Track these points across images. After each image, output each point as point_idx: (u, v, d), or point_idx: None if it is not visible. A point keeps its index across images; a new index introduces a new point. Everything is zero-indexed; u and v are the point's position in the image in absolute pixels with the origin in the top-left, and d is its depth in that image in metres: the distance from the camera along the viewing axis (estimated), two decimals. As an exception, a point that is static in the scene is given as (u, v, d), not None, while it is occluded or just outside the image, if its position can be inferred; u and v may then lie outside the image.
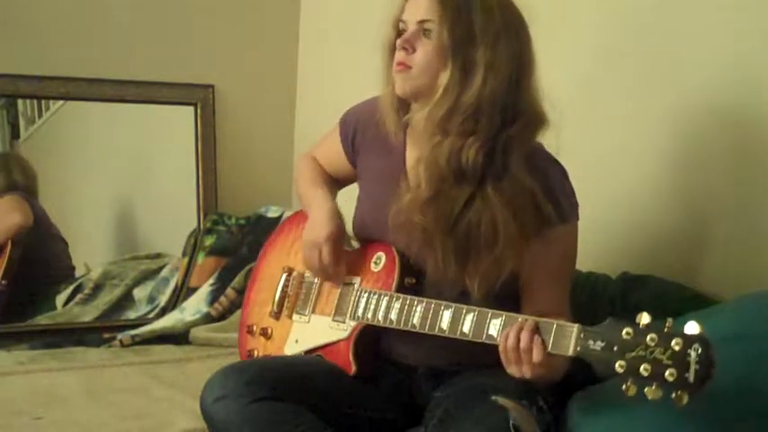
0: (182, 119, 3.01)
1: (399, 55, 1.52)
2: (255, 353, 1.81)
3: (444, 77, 1.49)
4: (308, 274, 1.76)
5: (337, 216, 1.70)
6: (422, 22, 1.51)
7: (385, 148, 1.67)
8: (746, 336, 1.39)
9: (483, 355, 1.42)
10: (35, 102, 2.95)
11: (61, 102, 2.91)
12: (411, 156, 1.63)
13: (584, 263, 1.87)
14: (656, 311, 1.68)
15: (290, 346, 1.74)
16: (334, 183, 1.85)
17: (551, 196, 1.51)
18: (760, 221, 1.69)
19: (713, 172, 1.79)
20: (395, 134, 1.64)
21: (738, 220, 1.74)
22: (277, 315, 1.79)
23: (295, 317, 1.76)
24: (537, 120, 1.53)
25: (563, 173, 1.57)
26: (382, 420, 1.63)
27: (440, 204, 1.49)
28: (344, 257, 1.68)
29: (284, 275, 1.79)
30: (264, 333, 1.79)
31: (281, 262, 1.83)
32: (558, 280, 1.56)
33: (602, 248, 1.97)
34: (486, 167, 1.48)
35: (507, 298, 1.52)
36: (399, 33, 1.55)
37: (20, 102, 2.94)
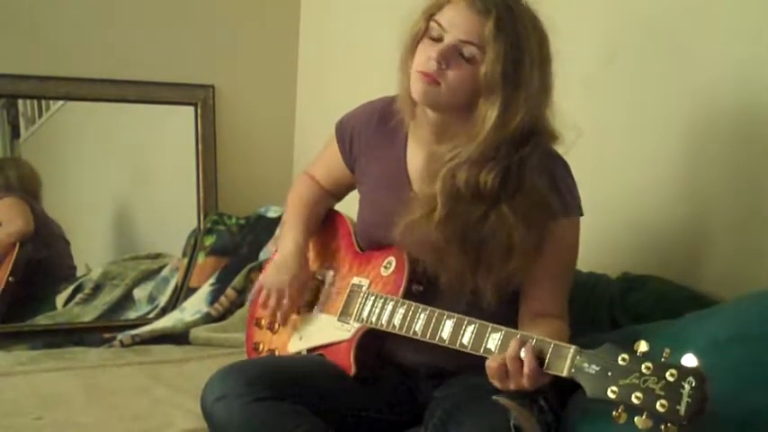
0: (182, 119, 3.01)
1: (429, 65, 1.46)
2: (261, 346, 1.82)
3: (482, 116, 1.46)
4: (319, 271, 1.78)
5: (300, 257, 1.74)
6: (465, 42, 1.46)
7: (383, 151, 1.68)
8: (746, 336, 1.39)
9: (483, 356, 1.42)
10: (35, 102, 2.95)
11: (61, 102, 2.92)
12: (413, 158, 1.63)
13: (584, 263, 1.87)
14: (656, 311, 1.70)
15: (294, 343, 1.74)
16: (330, 199, 1.86)
17: (556, 191, 1.52)
18: (760, 222, 1.69)
19: (713, 173, 1.79)
20: (397, 134, 1.64)
21: (738, 221, 1.74)
22: None
23: (302, 313, 1.76)
24: (550, 138, 1.53)
25: (566, 168, 1.57)
26: (382, 421, 1.63)
27: (454, 222, 1.49)
28: (311, 285, 1.74)
29: None
30: (271, 327, 1.80)
31: None
32: (557, 277, 1.55)
33: (602, 248, 1.97)
34: (501, 187, 1.48)
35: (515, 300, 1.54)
36: (426, 28, 1.49)
37: (20, 102, 2.94)
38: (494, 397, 1.42)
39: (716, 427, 1.29)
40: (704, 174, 1.81)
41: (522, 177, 1.48)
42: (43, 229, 2.80)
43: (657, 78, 1.90)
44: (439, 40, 1.48)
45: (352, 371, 1.59)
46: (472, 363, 1.38)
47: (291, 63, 3.19)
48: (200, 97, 3.02)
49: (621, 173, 1.98)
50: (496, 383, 1.35)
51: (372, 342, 1.62)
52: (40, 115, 2.96)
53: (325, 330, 1.68)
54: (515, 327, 1.47)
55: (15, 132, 2.93)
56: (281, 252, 1.77)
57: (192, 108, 3.02)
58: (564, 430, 1.48)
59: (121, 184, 3.03)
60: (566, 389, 1.50)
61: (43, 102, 2.94)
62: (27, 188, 2.83)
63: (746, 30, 1.71)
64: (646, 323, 1.63)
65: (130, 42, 2.89)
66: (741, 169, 1.74)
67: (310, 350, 1.70)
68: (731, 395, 1.30)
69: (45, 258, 2.82)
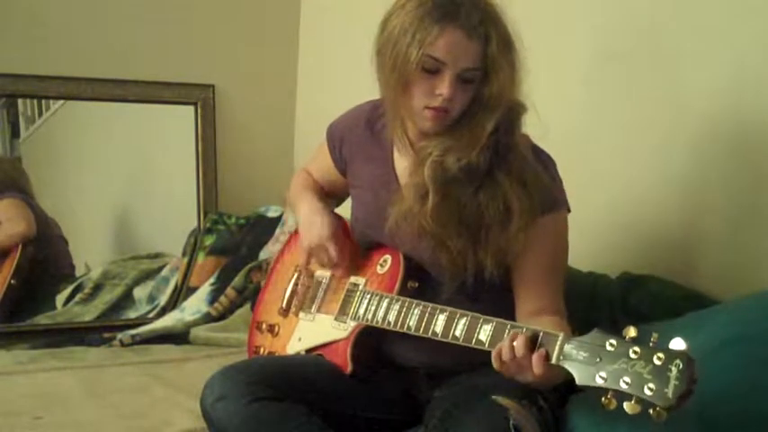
0: (182, 119, 3.01)
1: (437, 100, 1.47)
2: (261, 350, 1.83)
3: (481, 125, 1.48)
4: (318, 273, 1.78)
5: (329, 212, 1.74)
6: (468, 69, 1.46)
7: (372, 152, 1.69)
8: (747, 337, 1.39)
9: (483, 355, 1.42)
10: (35, 101, 2.95)
11: (61, 101, 2.92)
12: (400, 158, 1.64)
13: (584, 263, 1.87)
14: (656, 311, 1.70)
15: (293, 344, 1.75)
16: (329, 195, 1.86)
17: (545, 183, 1.52)
18: (760, 222, 1.69)
19: (713, 172, 1.79)
20: (384, 136, 1.65)
21: (738, 221, 1.74)
22: (285, 312, 1.80)
23: (301, 315, 1.77)
24: (520, 108, 1.53)
25: (554, 163, 1.59)
26: (382, 420, 1.63)
27: (449, 206, 1.50)
28: (347, 248, 1.71)
29: (296, 274, 1.82)
30: (271, 330, 1.81)
31: (295, 261, 1.84)
32: (549, 273, 1.55)
33: (602, 248, 1.98)
34: (492, 159, 1.49)
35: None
36: (420, 63, 1.46)
37: (20, 101, 2.94)
38: (493, 397, 1.42)
39: (719, 429, 1.29)
40: (704, 174, 1.81)
41: (510, 141, 1.50)
42: (43, 229, 2.79)
43: (656, 78, 1.90)
44: (435, 71, 1.47)
45: (349, 369, 1.60)
46: (471, 362, 1.38)
47: (291, 63, 3.19)
48: (201, 97, 3.02)
49: (621, 173, 1.98)
50: (517, 378, 1.34)
51: (369, 340, 1.62)
52: (40, 115, 2.96)
53: (323, 330, 1.69)
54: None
55: (15, 132, 2.93)
56: (302, 218, 1.77)
57: (192, 108, 3.02)
58: (563, 430, 1.48)
59: (121, 184, 3.03)
60: (565, 389, 1.50)
61: (43, 101, 2.94)
62: (13, 185, 2.82)
63: (746, 31, 1.71)
64: (646, 323, 1.63)
65: (130, 42, 2.89)
66: (741, 169, 1.74)
67: (309, 350, 1.70)
68: (732, 395, 1.31)
69: (45, 258, 2.81)
